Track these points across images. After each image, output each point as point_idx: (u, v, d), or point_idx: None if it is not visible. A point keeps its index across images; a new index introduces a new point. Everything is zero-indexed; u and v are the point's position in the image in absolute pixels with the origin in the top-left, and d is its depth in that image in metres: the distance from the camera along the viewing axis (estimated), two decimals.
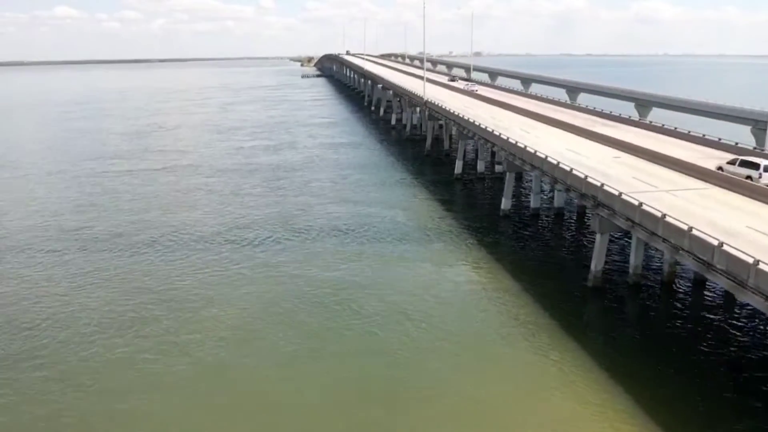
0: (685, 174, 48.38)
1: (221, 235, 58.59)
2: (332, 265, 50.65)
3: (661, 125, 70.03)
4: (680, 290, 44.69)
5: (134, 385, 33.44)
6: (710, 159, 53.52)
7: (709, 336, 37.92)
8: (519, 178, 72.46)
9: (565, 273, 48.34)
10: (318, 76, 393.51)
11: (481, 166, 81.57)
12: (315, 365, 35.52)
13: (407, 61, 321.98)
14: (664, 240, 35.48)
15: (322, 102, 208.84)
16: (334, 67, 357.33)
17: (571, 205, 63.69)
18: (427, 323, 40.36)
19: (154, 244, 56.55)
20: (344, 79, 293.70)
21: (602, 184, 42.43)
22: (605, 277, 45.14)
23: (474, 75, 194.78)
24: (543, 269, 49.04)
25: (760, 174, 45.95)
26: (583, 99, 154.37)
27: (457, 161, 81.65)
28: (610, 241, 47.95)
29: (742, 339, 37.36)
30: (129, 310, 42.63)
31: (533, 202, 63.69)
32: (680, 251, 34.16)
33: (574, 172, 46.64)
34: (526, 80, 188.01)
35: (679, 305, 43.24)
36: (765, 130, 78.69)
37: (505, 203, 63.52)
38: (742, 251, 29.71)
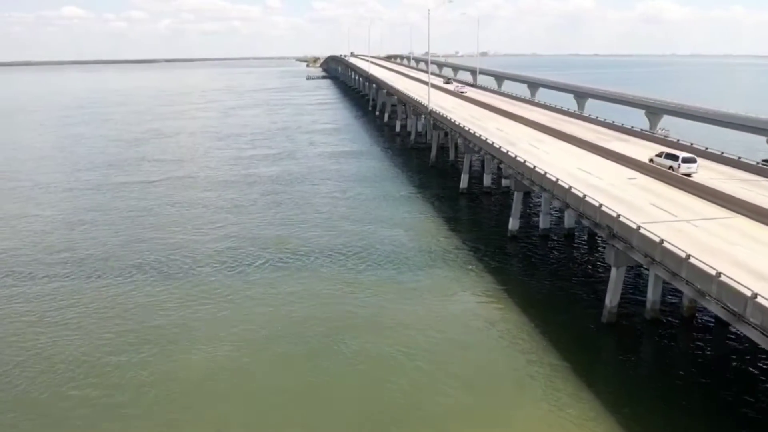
0: (704, 199, 45.16)
1: (212, 259, 55.63)
2: (329, 296, 47.64)
3: (676, 140, 66.71)
4: (702, 327, 41.57)
5: None
6: (731, 181, 50.39)
7: (733, 382, 34.88)
8: (527, 194, 69.26)
9: (577, 306, 45.15)
10: (323, 77, 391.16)
11: (487, 180, 78.34)
12: (311, 414, 32.62)
13: (412, 63, 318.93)
14: (688, 283, 32.31)
15: (325, 106, 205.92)
16: (339, 69, 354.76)
17: (582, 226, 60.47)
18: (431, 365, 37.49)
19: (142, 268, 53.64)
20: (349, 81, 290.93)
21: (618, 215, 39.23)
22: (620, 312, 42.01)
23: (480, 78, 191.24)
24: (554, 301, 45.95)
25: (679, 164, 52.44)
26: (591, 105, 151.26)
27: (462, 175, 78.54)
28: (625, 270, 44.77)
29: None
30: (110, 347, 39.77)
31: (542, 222, 60.52)
32: (706, 297, 31.01)
33: (587, 199, 43.46)
34: (533, 84, 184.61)
35: (700, 345, 40.15)
36: None
37: (513, 224, 60.41)
38: None
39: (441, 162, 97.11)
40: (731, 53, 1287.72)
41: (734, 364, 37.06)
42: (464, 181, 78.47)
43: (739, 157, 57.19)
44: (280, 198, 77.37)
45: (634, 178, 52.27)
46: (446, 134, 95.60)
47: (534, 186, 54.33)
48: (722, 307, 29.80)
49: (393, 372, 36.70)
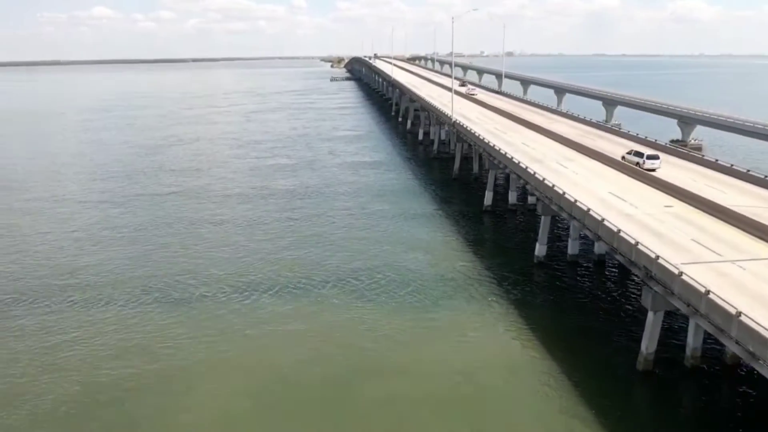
0: (751, 235, 41.40)
1: (221, 284, 53.05)
2: (341, 332, 44.81)
3: (714, 160, 62.52)
4: (747, 378, 37.81)
5: None
6: None
7: None
8: (555, 216, 65.72)
9: (609, 348, 41.60)
10: (347, 79, 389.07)
11: (512, 197, 74.74)
12: None
13: (436, 66, 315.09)
14: (738, 342, 28.78)
15: (348, 110, 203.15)
16: (363, 70, 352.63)
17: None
18: (448, 416, 34.45)
19: (148, 294, 51.39)
20: (372, 83, 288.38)
21: (657, 257, 35.68)
22: (657, 358, 38.46)
23: (506, 83, 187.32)
24: (583, 342, 42.45)
25: (644, 161, 60.14)
26: (620, 112, 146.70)
27: (486, 192, 75.12)
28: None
29: None
30: (108, 388, 37.27)
31: (571, 248, 57.01)
32: (759, 361, 27.48)
33: (622, 234, 39.93)
34: (560, 90, 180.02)
35: (745, 398, 36.42)
36: None
37: (540, 249, 56.99)
38: None
39: (464, 174, 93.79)
40: (762, 53, 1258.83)
41: None
42: (488, 199, 75.08)
43: None
44: (295, 214, 74.56)
45: (671, 206, 48.48)
46: (470, 145, 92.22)
47: (563, 212, 50.89)
48: None
49: (406, 423, 33.77)
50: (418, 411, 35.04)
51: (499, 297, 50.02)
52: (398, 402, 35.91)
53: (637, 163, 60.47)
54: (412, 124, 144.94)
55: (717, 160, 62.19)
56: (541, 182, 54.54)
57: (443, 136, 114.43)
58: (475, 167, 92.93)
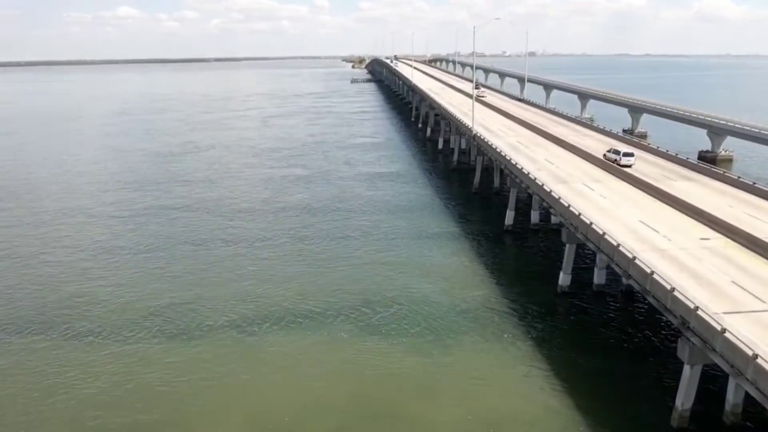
0: None
1: (223, 316, 50.27)
2: (351, 373, 41.94)
3: (752, 183, 58.47)
4: None
5: None
6: None
7: None
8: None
9: (641, 399, 37.95)
10: (368, 80, 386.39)
11: (534, 217, 71.24)
12: None
13: (457, 68, 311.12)
14: None
15: (367, 115, 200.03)
16: (384, 72, 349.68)
17: None
18: None
19: (150, 326, 48.69)
20: (393, 86, 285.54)
21: (696, 308, 32.14)
22: (694, 412, 34.92)
23: (528, 87, 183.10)
24: (611, 390, 38.91)
25: (620, 158, 68.72)
26: (646, 120, 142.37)
27: (507, 211, 71.69)
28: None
29: None
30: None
31: (597, 277, 53.42)
32: None
33: (656, 277, 36.40)
34: (584, 96, 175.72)
35: None
36: None
37: (564, 279, 53.49)
38: None
39: (485, 188, 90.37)
40: None
41: None
42: (509, 218, 71.65)
43: None
44: (306, 233, 71.56)
45: (708, 239, 44.72)
46: (491, 159, 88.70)
47: (589, 242, 47.40)
48: None
49: None
50: None
51: (520, 333, 46.66)
52: None
53: (615, 161, 68.99)
54: (432, 131, 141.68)
55: (755, 183, 58.07)
56: (567, 209, 51.03)
57: (463, 145, 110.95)
58: (496, 181, 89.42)
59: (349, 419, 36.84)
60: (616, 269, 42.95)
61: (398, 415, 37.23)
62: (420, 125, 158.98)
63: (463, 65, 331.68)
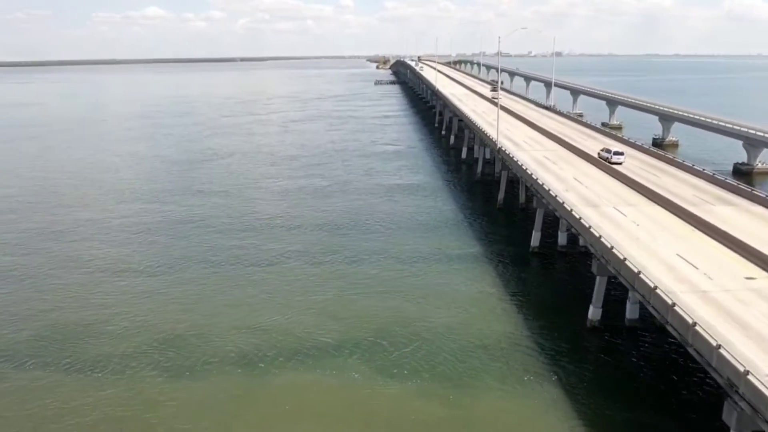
0: None
1: (231, 349, 47.57)
2: (361, 420, 38.81)
3: None
4: None
5: None
6: None
7: None
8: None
9: None
10: (391, 82, 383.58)
11: (562, 239, 67.51)
12: None
13: (482, 71, 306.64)
14: None
15: (389, 120, 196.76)
16: (408, 74, 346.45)
17: None
18: None
19: (151, 360, 46.15)
20: (416, 88, 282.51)
21: (746, 371, 28.55)
22: None
23: (554, 91, 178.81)
24: None
25: (611, 156, 75.60)
26: (677, 129, 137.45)
27: (533, 232, 68.19)
28: None
29: None
30: None
31: (629, 312, 49.77)
32: None
33: (698, 329, 32.79)
34: (612, 102, 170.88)
35: None
36: None
37: (594, 312, 49.93)
38: None
39: (509, 204, 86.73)
40: None
41: None
42: (535, 239, 68.17)
43: None
44: (321, 254, 68.39)
45: (754, 279, 40.90)
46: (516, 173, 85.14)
47: (621, 277, 43.83)
48: None
49: None
50: None
51: (546, 373, 43.39)
52: None
53: (607, 159, 75.87)
54: (456, 137, 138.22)
55: None
56: (599, 240, 47.43)
57: (488, 155, 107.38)
58: (522, 197, 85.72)
59: None
60: (653, 312, 39.33)
61: None
62: (443, 132, 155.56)
63: (488, 67, 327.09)
